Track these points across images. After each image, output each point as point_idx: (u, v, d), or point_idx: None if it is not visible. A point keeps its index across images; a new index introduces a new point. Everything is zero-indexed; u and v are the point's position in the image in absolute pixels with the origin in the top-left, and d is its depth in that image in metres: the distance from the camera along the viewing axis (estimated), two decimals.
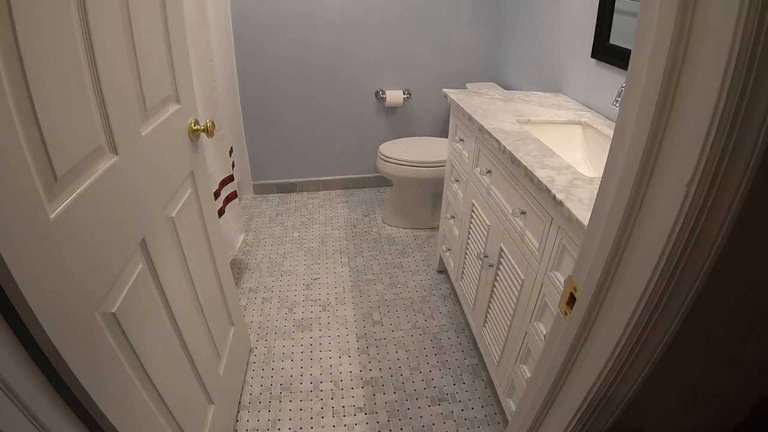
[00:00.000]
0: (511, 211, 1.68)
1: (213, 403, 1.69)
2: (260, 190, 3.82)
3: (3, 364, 0.71)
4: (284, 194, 3.83)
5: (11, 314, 0.73)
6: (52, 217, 0.79)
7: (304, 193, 3.84)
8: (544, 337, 1.47)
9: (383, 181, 3.90)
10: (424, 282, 2.76)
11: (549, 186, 1.36)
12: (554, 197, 1.32)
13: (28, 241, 0.73)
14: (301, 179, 3.83)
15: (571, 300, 0.79)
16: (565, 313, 0.80)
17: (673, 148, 0.55)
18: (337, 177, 3.87)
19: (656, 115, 0.55)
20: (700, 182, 0.51)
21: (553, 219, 1.39)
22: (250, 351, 2.31)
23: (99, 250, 0.95)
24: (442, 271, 2.84)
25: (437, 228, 3.23)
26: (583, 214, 1.19)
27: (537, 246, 1.49)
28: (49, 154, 0.78)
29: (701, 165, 0.50)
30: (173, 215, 1.37)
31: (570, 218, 1.24)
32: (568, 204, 1.26)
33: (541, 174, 1.44)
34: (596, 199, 0.71)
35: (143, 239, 1.16)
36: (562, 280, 1.34)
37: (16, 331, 0.74)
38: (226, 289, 1.92)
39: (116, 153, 1.03)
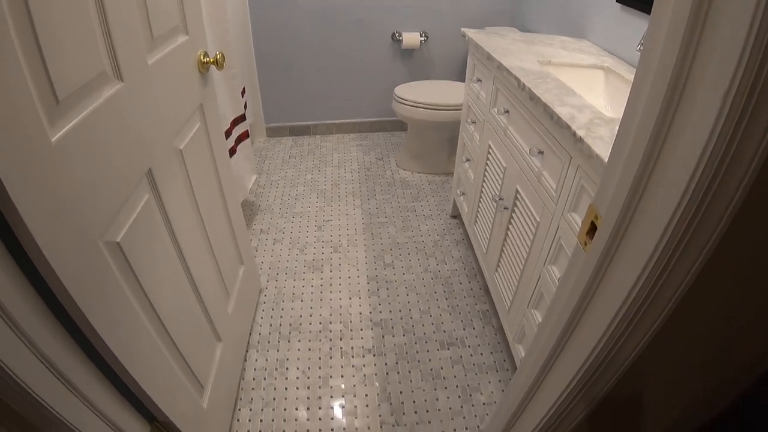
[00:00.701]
0: (528, 151, 1.61)
1: (221, 341, 1.67)
2: (273, 132, 3.75)
3: (3, 292, 0.69)
4: (297, 137, 3.76)
5: (11, 239, 0.70)
6: (53, 140, 0.75)
7: (318, 136, 3.77)
8: (558, 280, 1.42)
9: (398, 126, 3.81)
10: (437, 226, 2.71)
11: (569, 123, 1.29)
12: (574, 134, 1.26)
13: (28, 164, 0.70)
14: (314, 122, 3.74)
15: (592, 230, 0.73)
16: (585, 244, 0.75)
17: (708, 54, 0.48)
18: (351, 120, 3.78)
19: (692, 13, 0.48)
20: (738, 93, 0.44)
21: (572, 158, 1.33)
22: (260, 291, 2.29)
23: (103, 177, 0.91)
24: (456, 216, 2.79)
25: (452, 173, 3.16)
26: (604, 152, 1.13)
27: (554, 187, 1.44)
28: (50, 75, 0.74)
29: (740, 72, 0.44)
30: (181, 147, 1.32)
31: (590, 155, 1.18)
32: (588, 140, 1.19)
33: (561, 111, 1.36)
34: (623, 118, 0.64)
35: (150, 169, 1.12)
36: (580, 222, 1.28)
37: (16, 257, 0.72)
38: (236, 227, 1.88)
39: (121, 80, 0.98)
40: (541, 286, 1.55)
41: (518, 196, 1.71)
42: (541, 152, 1.53)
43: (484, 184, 2.12)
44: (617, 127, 0.66)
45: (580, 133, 1.24)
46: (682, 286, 0.59)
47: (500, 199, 1.88)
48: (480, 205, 2.18)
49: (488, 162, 2.05)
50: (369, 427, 1.75)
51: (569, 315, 0.82)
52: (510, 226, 1.80)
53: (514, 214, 1.76)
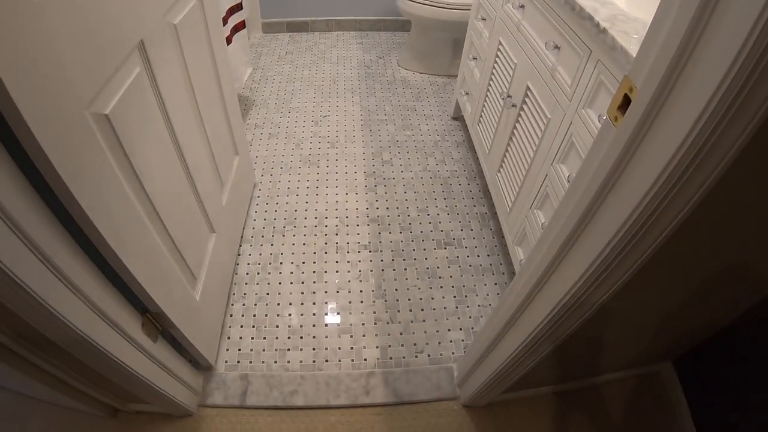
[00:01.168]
0: (543, 46, 1.50)
1: (215, 233, 1.61)
2: (270, 28, 3.54)
3: None
4: (295, 33, 3.55)
5: None
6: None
7: (316, 33, 3.55)
8: (567, 179, 1.36)
9: (400, 25, 3.59)
10: (438, 127, 2.59)
11: (592, 14, 1.19)
12: (597, 25, 1.16)
13: (9, 24, 0.62)
14: (313, 18, 3.52)
15: (624, 104, 0.65)
16: (615, 119, 0.66)
17: None
18: (351, 17, 3.55)
19: None
20: None
21: (591, 52, 1.23)
22: (255, 186, 2.20)
23: (89, 44, 0.83)
24: (457, 118, 2.67)
25: (455, 76, 3.01)
26: (628, 44, 1.05)
27: (569, 83, 1.34)
28: None
29: None
30: (176, 22, 1.23)
31: (614, 47, 1.09)
32: (612, 32, 1.11)
33: (583, 3, 1.25)
34: None
35: (141, 41, 1.04)
36: (595, 119, 1.21)
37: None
38: (232, 116, 1.77)
39: None
40: (546, 185, 1.48)
41: (528, 93, 1.61)
42: (557, 47, 1.42)
43: (491, 82, 1.99)
44: (640, 25, 0.56)
45: (605, 24, 1.14)
46: (722, 163, 0.52)
47: (508, 96, 1.77)
48: (485, 104, 2.07)
49: (497, 59, 1.92)
50: (363, 323, 1.72)
51: (591, 197, 0.73)
52: (517, 125, 1.71)
53: (522, 112, 1.67)
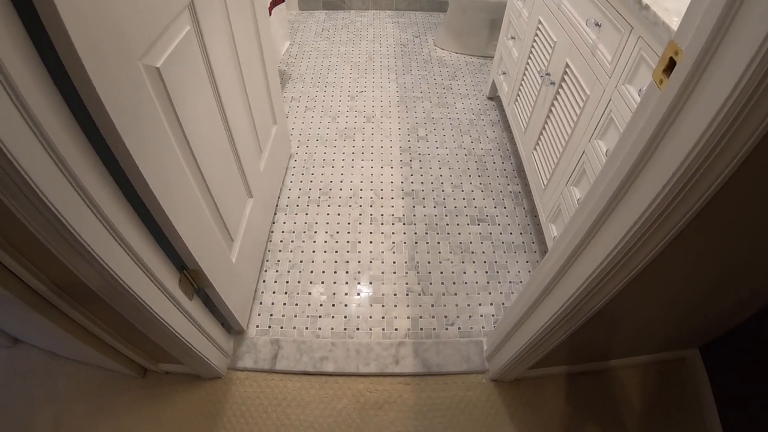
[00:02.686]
0: (584, 23, 1.46)
1: (252, 197, 1.59)
2: (306, 5, 3.48)
3: (40, 112, 0.61)
4: (331, 11, 3.49)
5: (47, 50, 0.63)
6: None
7: (352, 11, 3.49)
8: (606, 154, 1.32)
9: (436, 6, 3.50)
10: (473, 106, 2.53)
11: None
12: (639, 1, 1.13)
13: None
14: None
15: (668, 68, 0.65)
16: (660, 82, 0.66)
17: None
18: None
19: None
20: None
21: (633, 28, 1.20)
22: (290, 157, 2.17)
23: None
24: (492, 98, 2.60)
25: (490, 57, 2.93)
26: (669, 20, 1.03)
27: (609, 59, 1.31)
28: None
29: None
30: None
31: (655, 22, 1.07)
32: (654, 8, 1.08)
33: None
34: None
35: (192, 2, 1.02)
36: (635, 94, 1.19)
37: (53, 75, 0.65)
38: (272, 84, 1.74)
39: None
40: (583, 162, 1.44)
41: (567, 70, 1.56)
42: (597, 24, 1.38)
43: (529, 60, 1.93)
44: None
45: (647, 1, 1.11)
46: (765, 120, 0.52)
47: (547, 74, 1.71)
48: (523, 82, 2.00)
49: (536, 38, 1.86)
50: (395, 294, 1.69)
51: (635, 159, 0.72)
52: (555, 102, 1.66)
53: (560, 90, 1.62)
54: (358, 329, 1.59)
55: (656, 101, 0.66)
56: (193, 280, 1.21)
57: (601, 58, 1.35)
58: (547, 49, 1.74)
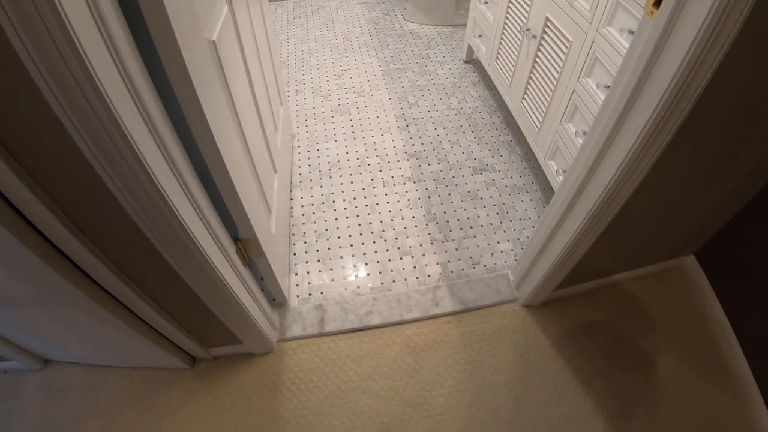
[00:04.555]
0: None
1: (276, 173, 1.62)
2: None
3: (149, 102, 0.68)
4: (299, 0, 3.49)
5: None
6: None
7: None
8: (597, 87, 1.40)
9: None
10: (453, 70, 2.58)
11: None
12: None
13: None
14: None
15: (657, 2, 0.77)
16: (651, 13, 0.79)
17: None
18: None
19: None
20: None
21: None
22: (293, 137, 2.20)
23: None
24: (469, 61, 2.64)
25: (460, 25, 2.97)
26: None
27: (588, 7, 1.39)
28: None
29: None
30: None
31: None
32: None
33: None
34: None
35: None
36: (616, 34, 1.29)
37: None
38: (276, 68, 1.77)
39: None
40: (575, 99, 1.52)
41: (548, 23, 1.63)
42: None
43: (506, 21, 1.98)
44: None
45: None
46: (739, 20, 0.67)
47: (527, 30, 1.76)
48: (502, 41, 2.05)
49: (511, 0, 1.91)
50: (421, 245, 1.74)
51: (641, 70, 0.83)
52: (538, 53, 1.72)
53: (543, 41, 1.68)
54: (394, 282, 1.65)
55: (650, 28, 0.79)
56: (245, 251, 1.25)
57: (580, 8, 1.43)
58: (524, 8, 1.80)
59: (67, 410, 1.41)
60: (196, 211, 0.90)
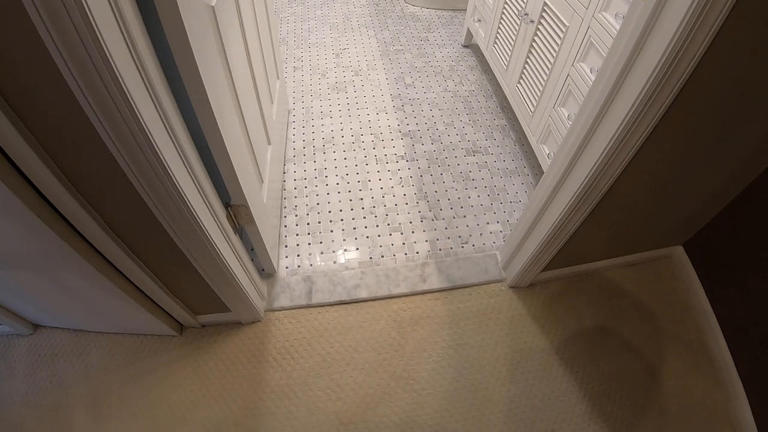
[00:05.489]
0: None
1: (270, 145, 1.60)
2: None
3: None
4: None
5: None
6: None
7: None
8: (591, 71, 1.40)
9: None
10: (451, 54, 2.54)
11: None
12: None
13: None
14: None
15: None
16: None
17: None
18: None
19: None
20: None
21: None
22: (288, 112, 2.17)
23: None
24: (468, 46, 2.61)
25: (460, 9, 2.93)
26: None
27: None
28: None
29: None
30: None
31: None
32: None
33: None
34: None
35: None
36: (612, 19, 1.28)
37: None
38: (274, 42, 1.73)
39: None
40: (569, 84, 1.51)
41: (545, 7, 1.61)
42: None
43: (506, 6, 1.95)
44: None
45: None
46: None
47: (525, 14, 1.74)
48: (501, 25, 2.03)
49: None
50: (411, 222, 1.73)
51: (633, 46, 0.82)
52: (535, 37, 1.70)
53: (540, 26, 1.66)
54: (382, 257, 1.63)
55: (640, 8, 0.79)
56: (236, 218, 1.23)
57: None
58: None
59: (55, 374, 1.39)
60: (187, 170, 0.89)
